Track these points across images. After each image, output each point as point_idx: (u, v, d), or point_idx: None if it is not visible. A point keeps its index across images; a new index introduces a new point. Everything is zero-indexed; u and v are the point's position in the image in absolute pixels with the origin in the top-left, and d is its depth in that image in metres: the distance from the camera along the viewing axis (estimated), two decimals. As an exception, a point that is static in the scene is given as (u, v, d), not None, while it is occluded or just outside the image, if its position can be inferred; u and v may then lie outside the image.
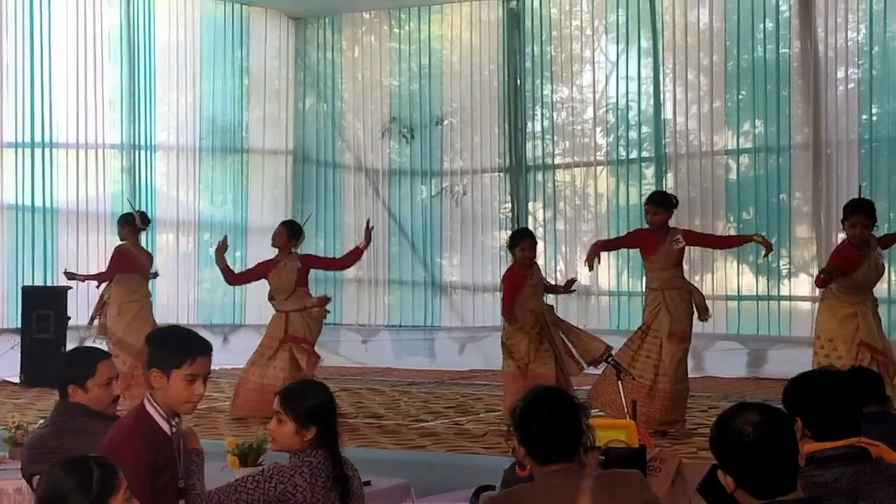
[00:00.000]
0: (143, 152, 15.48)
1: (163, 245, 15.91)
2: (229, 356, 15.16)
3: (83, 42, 14.87)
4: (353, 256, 11.14)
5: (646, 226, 9.33)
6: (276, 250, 10.76)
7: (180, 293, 15.84)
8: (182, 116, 15.95)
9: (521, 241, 9.94)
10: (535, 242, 10.09)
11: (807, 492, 3.04)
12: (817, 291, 12.91)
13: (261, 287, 16.58)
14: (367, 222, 10.92)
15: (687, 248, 9.39)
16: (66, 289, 13.08)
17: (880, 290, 12.50)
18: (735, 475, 2.96)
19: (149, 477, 3.73)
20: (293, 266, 10.53)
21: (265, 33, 16.69)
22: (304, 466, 4.04)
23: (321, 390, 4.23)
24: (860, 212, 8.27)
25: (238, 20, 16.43)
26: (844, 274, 8.22)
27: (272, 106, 16.76)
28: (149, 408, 3.88)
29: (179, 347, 3.89)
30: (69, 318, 13.09)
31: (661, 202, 9.24)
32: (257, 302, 16.46)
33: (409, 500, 4.70)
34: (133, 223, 11.30)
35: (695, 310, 9.18)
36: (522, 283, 9.80)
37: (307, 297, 10.62)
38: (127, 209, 12.04)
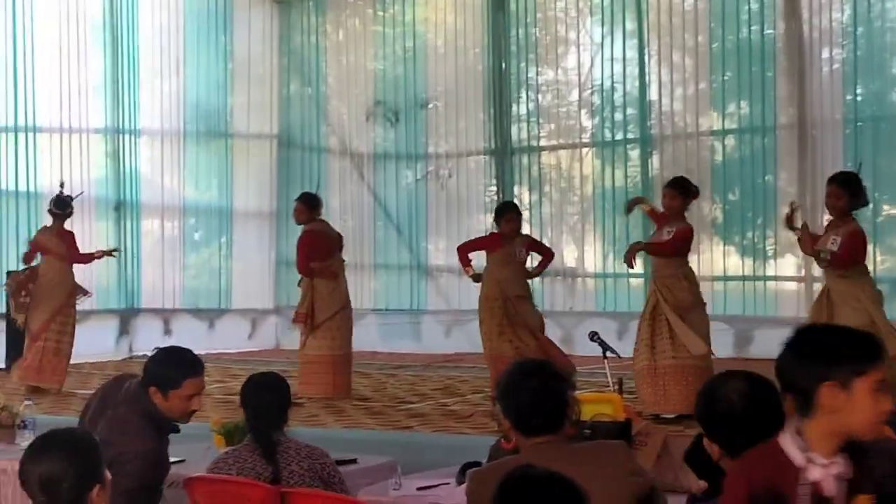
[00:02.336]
0: (127, 137, 15.43)
1: (148, 230, 15.87)
2: (215, 342, 15.18)
3: (66, 26, 14.81)
4: None
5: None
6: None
7: (166, 279, 15.80)
8: (166, 101, 15.88)
9: (506, 213, 10.20)
10: (520, 215, 10.24)
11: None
12: (817, 272, 12.93)
13: (246, 271, 16.65)
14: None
15: None
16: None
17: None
18: (720, 443, 2.96)
19: None
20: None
21: (249, 17, 16.61)
22: (240, 449, 4.60)
23: (251, 379, 4.74)
24: (830, 182, 8.18)
25: (222, 4, 16.34)
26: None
27: (256, 90, 16.70)
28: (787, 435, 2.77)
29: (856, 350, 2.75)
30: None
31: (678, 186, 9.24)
32: (243, 287, 16.47)
33: (395, 478, 4.69)
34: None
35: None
36: (495, 245, 10.16)
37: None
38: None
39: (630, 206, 9.71)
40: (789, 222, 8.43)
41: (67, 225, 11.59)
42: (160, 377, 4.53)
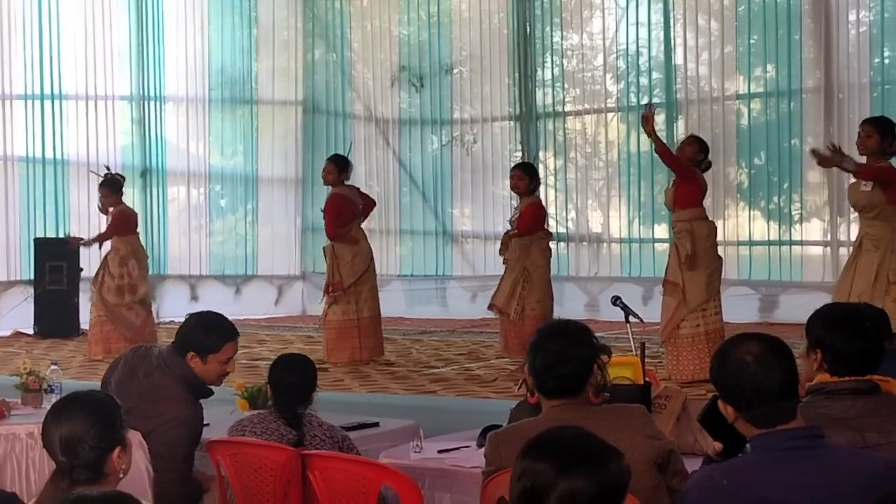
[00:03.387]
0: (152, 104, 15.47)
1: (174, 197, 15.94)
2: (241, 308, 15.25)
3: (91, -7, 14.84)
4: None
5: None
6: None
7: (192, 245, 15.89)
8: (191, 67, 15.91)
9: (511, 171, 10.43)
10: (525, 176, 10.11)
11: (811, 422, 3.03)
12: (844, 236, 12.80)
13: (272, 238, 16.69)
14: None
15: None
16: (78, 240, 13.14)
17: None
18: (735, 405, 2.95)
19: None
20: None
21: (273, -18, 16.61)
22: (264, 413, 4.65)
23: (281, 359, 4.76)
24: (862, 124, 7.85)
25: (246, -30, 16.34)
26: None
27: (281, 56, 16.71)
28: None
29: None
30: (81, 269, 13.16)
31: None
32: (269, 253, 16.53)
33: (417, 441, 4.72)
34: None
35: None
36: None
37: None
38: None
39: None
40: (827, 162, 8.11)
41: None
42: (199, 342, 4.63)
